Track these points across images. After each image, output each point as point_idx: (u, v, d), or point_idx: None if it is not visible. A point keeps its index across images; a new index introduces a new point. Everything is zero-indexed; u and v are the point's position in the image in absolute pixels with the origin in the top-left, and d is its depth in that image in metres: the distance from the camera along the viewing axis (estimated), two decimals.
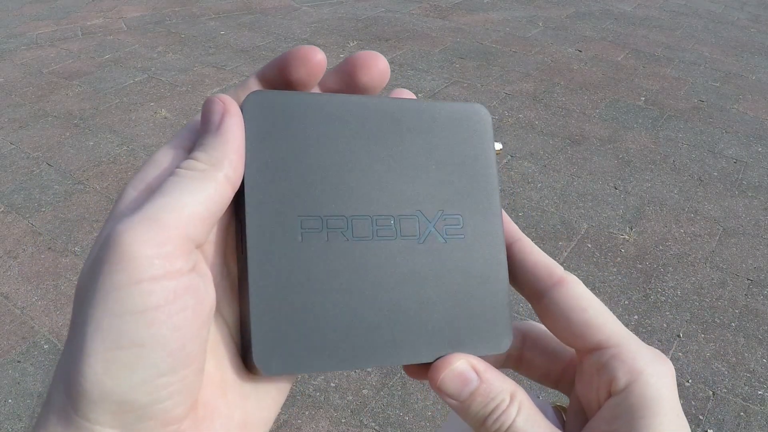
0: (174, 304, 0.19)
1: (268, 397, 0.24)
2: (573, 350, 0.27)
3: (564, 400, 0.29)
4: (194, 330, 0.20)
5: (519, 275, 0.27)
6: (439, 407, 1.48)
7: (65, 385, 0.19)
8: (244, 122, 0.23)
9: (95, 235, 2.05)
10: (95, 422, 0.19)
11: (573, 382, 0.27)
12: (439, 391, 0.24)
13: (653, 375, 0.23)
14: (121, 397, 0.19)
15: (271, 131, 0.24)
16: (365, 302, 0.24)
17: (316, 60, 0.24)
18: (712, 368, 1.61)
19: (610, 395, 0.24)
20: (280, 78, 0.25)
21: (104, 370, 0.18)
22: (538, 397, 0.27)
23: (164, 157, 0.23)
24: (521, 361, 0.29)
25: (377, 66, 0.25)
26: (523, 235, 0.27)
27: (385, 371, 1.57)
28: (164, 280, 0.19)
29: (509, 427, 0.23)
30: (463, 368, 0.24)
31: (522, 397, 0.24)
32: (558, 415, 0.28)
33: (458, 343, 0.25)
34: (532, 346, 0.28)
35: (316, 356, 0.23)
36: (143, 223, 0.19)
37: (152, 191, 0.21)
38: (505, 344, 0.26)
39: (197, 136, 0.23)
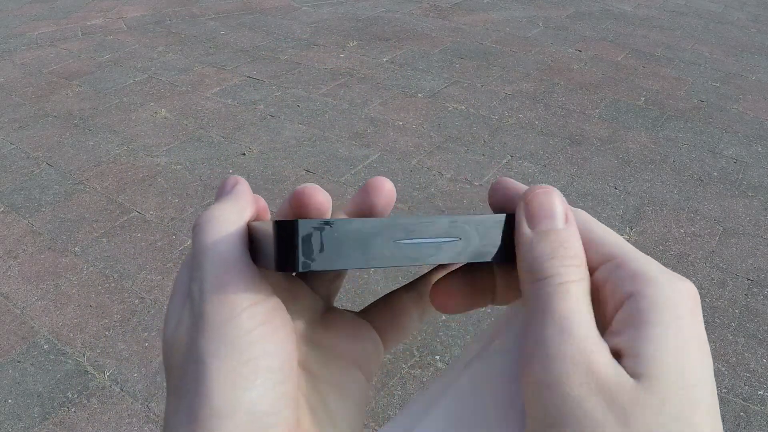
0: (270, 324, 0.23)
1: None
2: None
3: None
4: (290, 347, 0.23)
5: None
6: None
7: (189, 415, 0.21)
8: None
9: (95, 234, 2.05)
10: None
11: None
12: (524, 202, 0.23)
13: (666, 284, 0.20)
14: (248, 407, 0.21)
15: None
16: None
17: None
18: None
19: (617, 311, 0.21)
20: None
21: (231, 385, 0.21)
22: None
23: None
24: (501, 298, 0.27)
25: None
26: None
27: (385, 371, 1.57)
28: (256, 306, 0.23)
29: (566, 282, 0.21)
30: (560, 205, 0.23)
31: (587, 275, 0.22)
32: None
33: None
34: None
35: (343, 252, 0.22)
36: (221, 278, 0.23)
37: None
38: None
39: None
